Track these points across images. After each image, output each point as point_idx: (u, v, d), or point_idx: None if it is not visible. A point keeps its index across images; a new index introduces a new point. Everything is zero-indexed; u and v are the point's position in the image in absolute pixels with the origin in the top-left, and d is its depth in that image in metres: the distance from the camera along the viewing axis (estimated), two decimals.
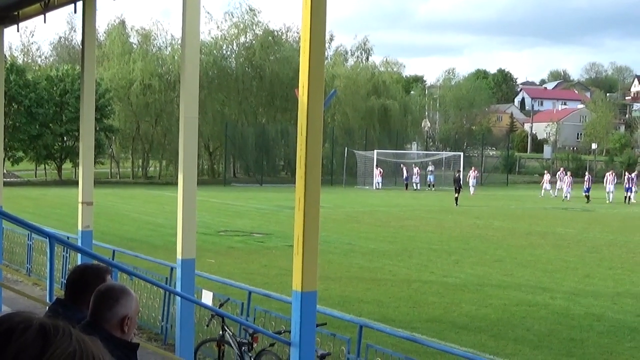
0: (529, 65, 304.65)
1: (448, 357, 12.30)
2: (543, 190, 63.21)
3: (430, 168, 74.51)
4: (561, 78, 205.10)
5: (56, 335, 1.55)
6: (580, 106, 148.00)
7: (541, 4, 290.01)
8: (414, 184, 71.61)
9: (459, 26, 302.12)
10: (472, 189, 63.03)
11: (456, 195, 50.79)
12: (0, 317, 1.60)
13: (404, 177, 72.13)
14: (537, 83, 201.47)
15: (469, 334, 15.51)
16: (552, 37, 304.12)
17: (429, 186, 72.16)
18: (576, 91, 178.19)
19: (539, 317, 17.20)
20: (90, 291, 4.58)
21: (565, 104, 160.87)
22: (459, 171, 58.52)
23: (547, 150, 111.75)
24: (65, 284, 5.04)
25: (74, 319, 4.16)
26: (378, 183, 70.52)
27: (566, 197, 58.64)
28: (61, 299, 5.01)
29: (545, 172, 68.61)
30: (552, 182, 65.28)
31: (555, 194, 59.32)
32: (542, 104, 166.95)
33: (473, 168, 69.15)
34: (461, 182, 53.63)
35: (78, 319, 4.30)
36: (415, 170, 72.67)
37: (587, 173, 62.53)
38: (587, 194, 57.98)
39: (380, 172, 71.21)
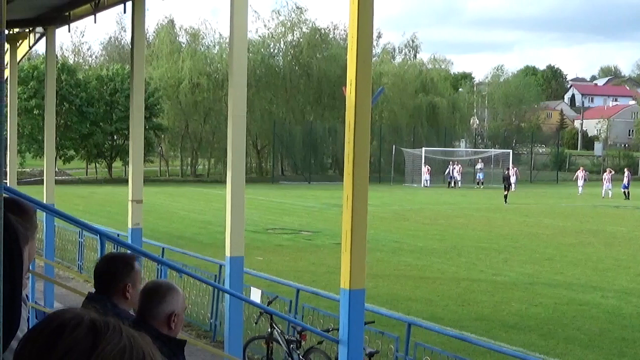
0: (579, 61, 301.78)
1: (497, 356, 12.24)
2: (580, 188, 62.37)
3: (479, 166, 73.84)
4: (612, 74, 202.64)
5: (107, 331, 1.56)
6: (632, 102, 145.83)
7: (592, 0, 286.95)
8: (456, 182, 70.74)
9: (509, 22, 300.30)
10: (513, 186, 63.05)
11: (505, 192, 50.52)
12: (52, 313, 1.62)
13: (447, 173, 71.30)
14: (588, 79, 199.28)
15: (519, 333, 15.41)
16: (603, 33, 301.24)
17: (478, 184, 71.60)
18: (627, 87, 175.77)
19: (590, 317, 17.04)
20: (119, 280, 4.57)
21: (616, 100, 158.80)
22: (507, 169, 58.16)
23: (598, 147, 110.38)
24: (94, 276, 4.89)
25: (113, 314, 4.14)
26: (426, 181, 70.22)
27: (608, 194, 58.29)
28: (92, 294, 4.88)
29: (581, 168, 67.47)
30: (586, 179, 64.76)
31: (603, 195, 58.50)
32: (592, 101, 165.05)
33: (512, 166, 68.90)
34: (510, 179, 53.42)
35: (115, 313, 4.29)
36: (458, 167, 71.93)
37: (625, 169, 61.67)
38: (625, 190, 58.03)
39: (428, 169, 70.90)
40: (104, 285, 4.78)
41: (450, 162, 72.47)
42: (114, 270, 4.77)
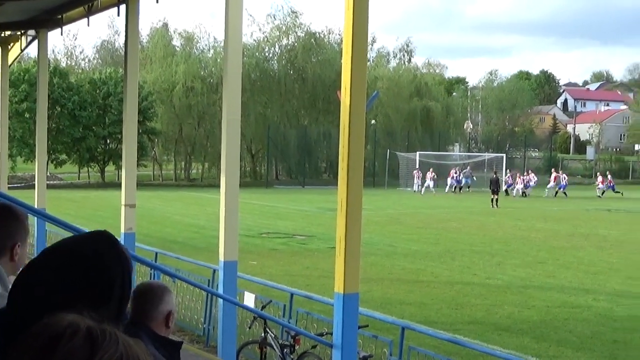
0: (573, 66, 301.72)
1: (490, 359, 12.22)
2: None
3: (466, 170, 73.32)
4: (604, 79, 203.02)
5: (104, 340, 1.54)
6: (624, 107, 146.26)
7: (591, 5, 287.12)
8: (462, 187, 70.16)
9: (508, 27, 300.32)
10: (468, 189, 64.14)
11: (492, 197, 50.82)
12: (47, 320, 1.59)
13: (453, 178, 70.48)
14: (580, 84, 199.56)
15: (512, 336, 15.42)
16: (599, 38, 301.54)
17: (468, 187, 71.12)
18: (619, 92, 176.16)
19: (582, 319, 17.06)
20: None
21: (608, 105, 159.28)
22: (496, 173, 58.14)
23: (590, 151, 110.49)
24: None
25: None
26: (420, 185, 69.96)
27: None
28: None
29: (508, 170, 68.87)
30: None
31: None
32: (585, 105, 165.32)
33: (458, 168, 69.84)
34: (499, 183, 53.71)
35: None
36: (457, 170, 71.39)
37: (599, 174, 64.86)
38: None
39: (421, 174, 70.55)
40: None
41: (455, 167, 71.89)
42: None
